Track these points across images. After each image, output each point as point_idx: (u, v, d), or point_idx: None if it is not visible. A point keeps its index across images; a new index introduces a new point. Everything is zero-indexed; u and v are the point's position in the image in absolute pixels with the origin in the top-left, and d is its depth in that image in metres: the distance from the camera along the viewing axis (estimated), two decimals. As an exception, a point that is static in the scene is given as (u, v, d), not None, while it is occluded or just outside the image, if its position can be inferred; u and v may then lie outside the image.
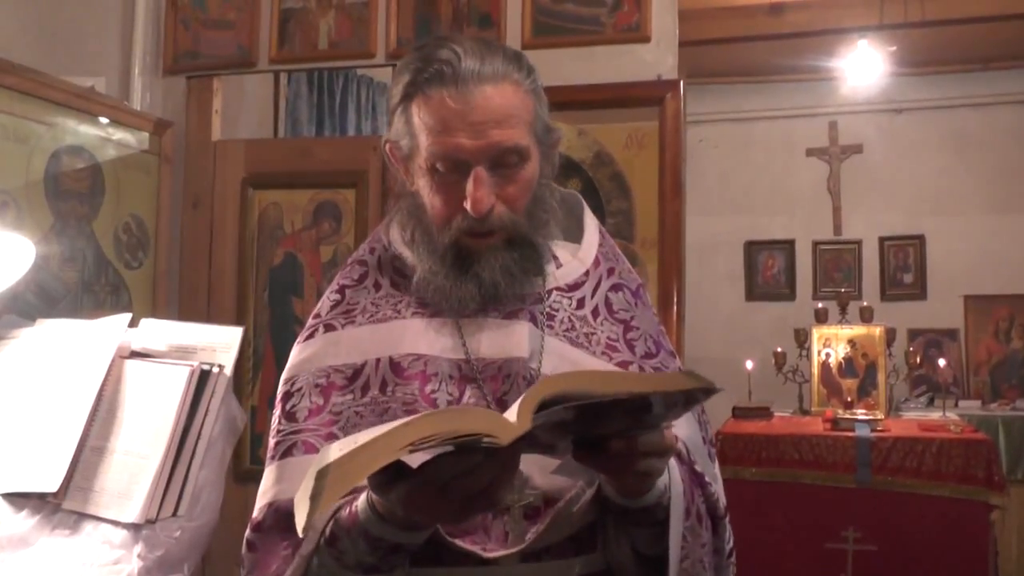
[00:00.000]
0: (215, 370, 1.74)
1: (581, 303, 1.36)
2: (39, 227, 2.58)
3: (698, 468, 1.31)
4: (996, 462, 4.17)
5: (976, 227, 6.69)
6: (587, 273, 1.39)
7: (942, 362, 6.07)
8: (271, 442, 1.30)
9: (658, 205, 2.80)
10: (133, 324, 1.88)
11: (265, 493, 1.26)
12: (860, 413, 4.72)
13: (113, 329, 1.83)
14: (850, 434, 4.35)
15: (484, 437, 0.92)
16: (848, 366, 5.04)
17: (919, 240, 6.87)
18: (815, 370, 5.12)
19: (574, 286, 1.37)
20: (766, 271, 7.22)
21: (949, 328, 6.68)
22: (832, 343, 5.12)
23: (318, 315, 1.37)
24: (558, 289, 1.36)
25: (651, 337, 1.39)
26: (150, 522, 1.60)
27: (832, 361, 5.08)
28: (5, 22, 3.09)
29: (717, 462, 1.42)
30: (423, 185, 1.28)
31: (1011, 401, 6.19)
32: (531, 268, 1.30)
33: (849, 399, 4.87)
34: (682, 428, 1.31)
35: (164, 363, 1.77)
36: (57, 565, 1.60)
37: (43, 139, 2.62)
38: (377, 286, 1.37)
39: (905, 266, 6.91)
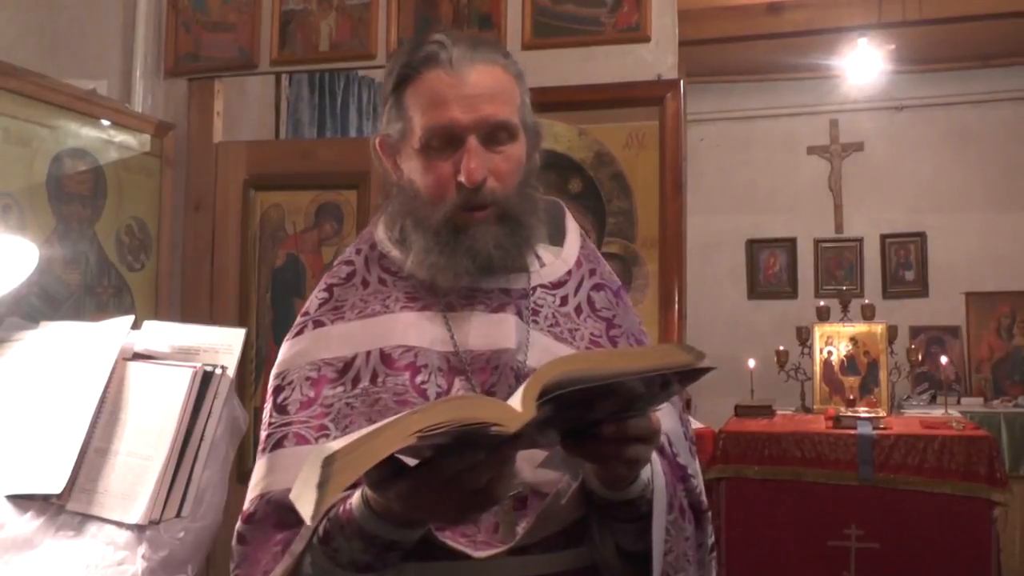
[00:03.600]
0: (218, 371, 1.74)
1: (565, 300, 1.39)
2: (42, 230, 2.59)
3: (681, 461, 1.33)
4: (998, 459, 4.18)
5: (977, 224, 6.69)
6: (570, 272, 1.42)
7: (944, 359, 6.07)
8: (262, 435, 1.31)
9: (659, 204, 2.80)
10: (136, 326, 1.88)
11: (256, 485, 1.27)
12: (862, 411, 4.73)
13: (116, 331, 1.84)
14: (852, 432, 4.36)
15: (492, 426, 0.92)
16: (850, 364, 5.05)
17: (920, 237, 6.87)
18: (817, 368, 5.13)
19: (558, 284, 1.40)
20: (768, 269, 7.23)
21: (951, 325, 6.68)
22: (834, 341, 5.13)
23: (306, 313, 1.39)
24: (542, 286, 1.38)
25: (633, 336, 1.42)
26: (154, 523, 1.61)
27: (834, 359, 5.09)
28: (7, 26, 3.09)
29: (697, 458, 1.43)
30: (414, 167, 1.31)
31: (1013, 398, 6.19)
32: (521, 244, 1.33)
33: (851, 397, 4.88)
34: (665, 421, 1.31)
35: (167, 365, 1.78)
36: (61, 566, 1.60)
37: (45, 142, 2.63)
38: (365, 283, 1.38)
39: (906, 263, 6.91)
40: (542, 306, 1.36)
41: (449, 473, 0.98)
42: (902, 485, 4.18)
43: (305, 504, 0.89)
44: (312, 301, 1.40)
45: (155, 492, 1.63)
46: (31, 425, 1.78)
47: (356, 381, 1.28)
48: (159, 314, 3.00)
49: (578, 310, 1.39)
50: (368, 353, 1.29)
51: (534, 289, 1.37)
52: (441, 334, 1.31)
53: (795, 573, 4.20)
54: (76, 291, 2.73)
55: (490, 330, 1.31)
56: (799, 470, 4.33)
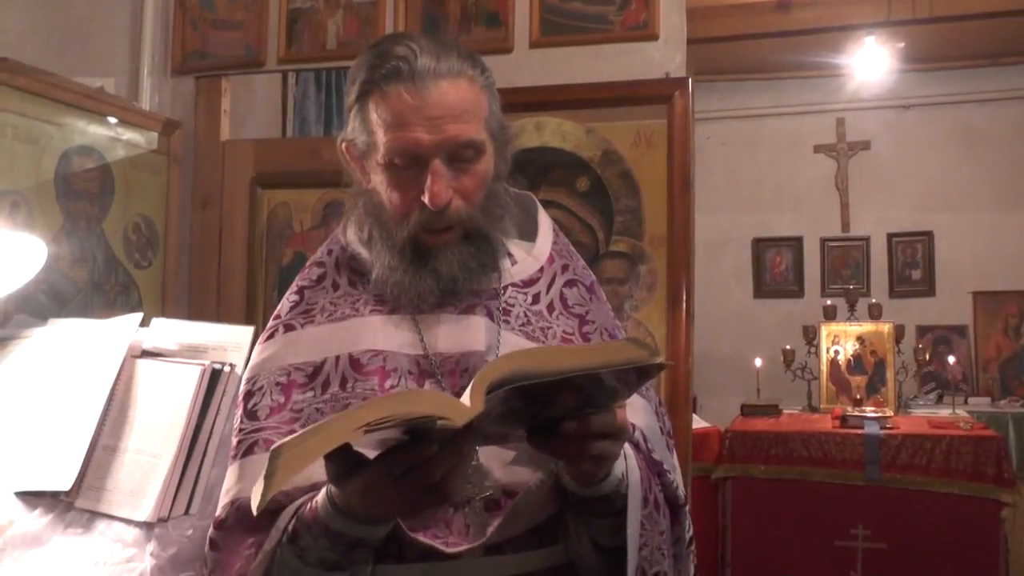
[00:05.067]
0: (226, 369, 1.74)
1: (536, 298, 1.38)
2: (50, 227, 2.59)
3: (656, 456, 1.32)
4: (1006, 459, 4.17)
5: (984, 223, 6.67)
6: (542, 269, 1.41)
7: (951, 359, 6.05)
8: (233, 441, 1.31)
9: (667, 203, 2.79)
10: (144, 323, 1.88)
11: (228, 491, 1.27)
12: (869, 410, 4.72)
13: (124, 328, 1.84)
14: (859, 431, 4.35)
15: (438, 419, 0.93)
16: (857, 363, 5.04)
17: (927, 236, 6.86)
18: (824, 367, 5.12)
19: (529, 282, 1.39)
20: (774, 268, 7.22)
21: (958, 325, 6.67)
22: (841, 340, 5.12)
23: (278, 316, 1.39)
24: (513, 285, 1.38)
25: (606, 331, 1.41)
26: (162, 520, 1.60)
27: (841, 358, 5.08)
28: (15, 23, 3.10)
29: (675, 453, 1.43)
30: (380, 181, 1.31)
31: (1021, 398, 6.18)
32: (487, 262, 1.33)
33: (858, 396, 4.88)
34: (640, 417, 1.32)
35: (175, 362, 1.78)
36: (70, 563, 1.60)
37: (53, 139, 2.63)
38: (335, 286, 1.39)
39: (913, 262, 6.90)
40: (513, 305, 1.36)
41: (403, 467, 1.00)
42: (909, 485, 4.17)
43: (254, 496, 0.92)
44: (284, 304, 1.41)
45: (163, 489, 1.62)
46: (40, 422, 1.78)
47: (326, 386, 1.28)
48: (166, 312, 3.00)
49: (550, 307, 1.38)
50: (337, 358, 1.30)
51: (505, 288, 1.37)
52: (410, 338, 1.31)
53: (802, 573, 4.19)
54: (84, 288, 2.73)
55: (459, 332, 1.31)
56: (806, 470, 4.32)
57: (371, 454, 1.02)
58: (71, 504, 1.68)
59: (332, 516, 1.10)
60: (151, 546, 1.59)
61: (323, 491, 1.12)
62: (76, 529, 1.66)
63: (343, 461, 1.01)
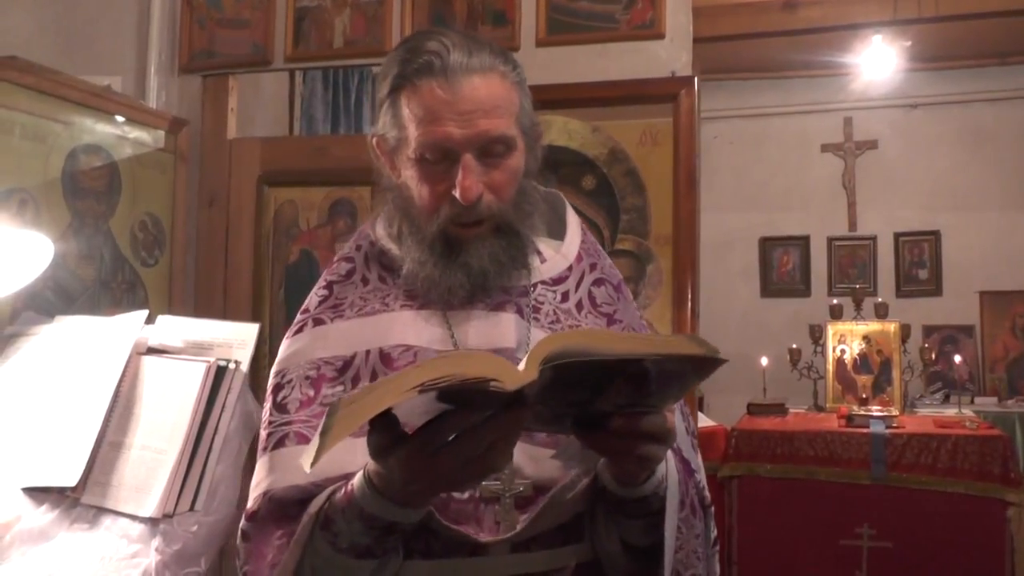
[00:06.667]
0: (231, 366, 1.75)
1: (565, 296, 1.38)
2: (57, 225, 2.60)
3: (685, 456, 1.33)
4: (1012, 459, 4.16)
5: (992, 222, 6.66)
6: (570, 268, 1.41)
7: (958, 358, 6.04)
8: (263, 434, 1.31)
9: (672, 201, 2.79)
10: (150, 321, 1.89)
11: (259, 484, 1.27)
12: (875, 410, 4.71)
13: (130, 326, 1.85)
14: (865, 431, 4.34)
15: (491, 381, 0.92)
16: (863, 362, 5.03)
17: (934, 236, 6.85)
18: (830, 366, 5.11)
19: (558, 280, 1.39)
20: (781, 267, 7.21)
21: (965, 324, 6.65)
22: (847, 339, 5.11)
23: (306, 310, 1.39)
24: (543, 283, 1.38)
25: (633, 329, 1.42)
26: (167, 516, 1.61)
27: (847, 357, 5.07)
28: (23, 22, 3.11)
29: (699, 452, 1.43)
30: (410, 176, 1.30)
31: (1028, 398, 6.16)
32: (518, 257, 1.32)
33: (864, 396, 4.87)
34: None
35: (181, 359, 1.79)
36: (76, 558, 1.61)
37: (60, 138, 2.64)
38: (365, 281, 1.38)
39: (920, 262, 6.88)
40: (543, 303, 1.36)
41: (448, 434, 0.99)
42: (915, 484, 4.16)
43: (307, 454, 0.91)
44: (312, 298, 1.40)
45: (169, 486, 1.63)
46: (46, 418, 1.79)
47: (356, 380, 1.28)
48: (172, 309, 3.01)
49: (579, 306, 1.38)
50: (368, 352, 1.29)
51: (534, 286, 1.37)
52: (440, 333, 1.31)
53: (807, 572, 4.19)
54: (91, 286, 2.74)
55: (490, 329, 1.31)
56: (811, 469, 4.32)
57: (411, 428, 1.02)
58: (77, 500, 1.69)
59: (368, 498, 1.09)
60: (156, 542, 1.60)
61: (359, 474, 1.11)
62: (82, 525, 1.67)
63: (387, 432, 1.00)
